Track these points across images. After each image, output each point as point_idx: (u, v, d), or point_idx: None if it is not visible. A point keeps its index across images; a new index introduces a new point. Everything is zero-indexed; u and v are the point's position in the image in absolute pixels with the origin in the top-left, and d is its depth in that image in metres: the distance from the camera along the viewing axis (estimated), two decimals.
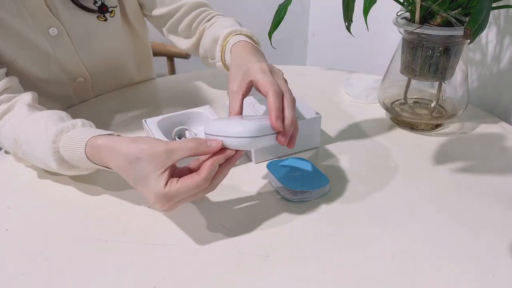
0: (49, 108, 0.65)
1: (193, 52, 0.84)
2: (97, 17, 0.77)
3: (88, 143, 0.51)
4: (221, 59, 0.71)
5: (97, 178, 0.60)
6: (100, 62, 0.84)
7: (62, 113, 0.60)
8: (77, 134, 0.53)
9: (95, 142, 0.50)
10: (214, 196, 0.56)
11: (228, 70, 0.70)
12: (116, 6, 0.79)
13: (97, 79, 0.86)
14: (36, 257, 0.47)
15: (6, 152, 0.67)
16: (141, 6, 0.83)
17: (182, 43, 0.84)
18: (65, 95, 0.84)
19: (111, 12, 0.79)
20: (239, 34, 0.69)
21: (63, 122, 0.56)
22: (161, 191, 0.44)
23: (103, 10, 0.77)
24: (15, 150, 0.58)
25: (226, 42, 0.69)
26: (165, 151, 0.44)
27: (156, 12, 0.82)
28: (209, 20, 0.81)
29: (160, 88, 0.96)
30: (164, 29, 0.84)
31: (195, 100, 0.85)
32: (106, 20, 0.78)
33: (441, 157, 0.65)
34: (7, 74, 0.67)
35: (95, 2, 0.76)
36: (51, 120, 0.56)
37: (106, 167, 0.51)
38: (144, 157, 0.45)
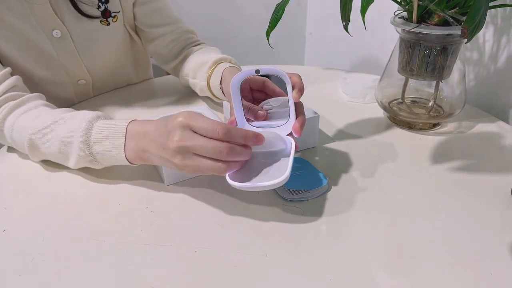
0: None
1: (172, 70, 0.88)
2: (100, 21, 0.78)
3: (132, 121, 0.55)
4: (207, 79, 0.74)
5: (95, 179, 0.60)
6: (101, 65, 0.84)
7: None
8: (119, 120, 0.56)
9: (140, 120, 0.55)
10: (213, 195, 0.56)
11: (210, 89, 0.75)
12: (119, 11, 0.80)
13: (98, 81, 0.87)
14: (34, 258, 0.47)
15: (9, 150, 0.67)
16: (134, 17, 0.84)
17: (163, 61, 0.87)
18: (66, 96, 0.84)
19: (113, 17, 0.80)
20: (229, 62, 0.75)
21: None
22: (192, 111, 0.49)
23: (106, 15, 0.78)
24: (32, 135, 0.58)
25: (216, 66, 0.73)
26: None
27: (146, 28, 0.85)
28: (196, 45, 0.86)
29: (157, 87, 0.96)
30: (149, 45, 0.87)
31: (192, 99, 0.85)
32: (108, 24, 0.79)
33: (439, 156, 0.65)
34: (11, 74, 0.67)
35: (99, 7, 0.77)
36: (83, 110, 0.59)
37: (126, 156, 0.54)
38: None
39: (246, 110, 0.58)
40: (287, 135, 0.54)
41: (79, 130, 0.55)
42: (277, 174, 0.48)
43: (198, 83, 0.78)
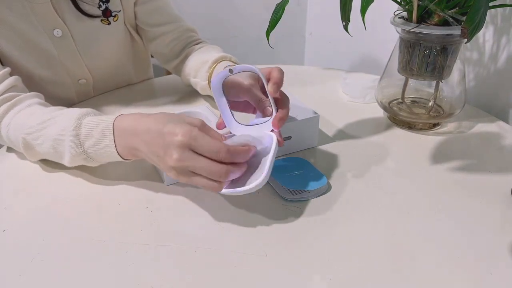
0: None
1: (173, 69, 0.88)
2: (101, 20, 0.78)
3: (119, 116, 0.54)
4: (208, 78, 0.74)
5: (95, 179, 0.60)
6: (102, 65, 0.85)
7: None
8: (105, 116, 0.55)
9: (132, 114, 0.53)
10: (213, 195, 0.56)
11: (210, 88, 0.73)
12: (120, 10, 0.80)
13: (99, 81, 0.87)
14: (34, 258, 0.47)
15: (8, 150, 0.67)
16: (135, 16, 0.84)
17: (164, 60, 0.88)
18: (67, 96, 0.84)
19: (114, 16, 0.80)
20: (229, 60, 0.75)
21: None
22: (191, 126, 0.47)
23: (106, 14, 0.78)
24: (25, 135, 0.58)
25: (216, 65, 0.74)
26: (201, 122, 0.49)
27: (147, 27, 0.85)
28: (197, 44, 0.86)
29: (157, 88, 0.96)
30: (150, 44, 0.87)
31: (192, 99, 0.85)
32: (109, 23, 0.80)
33: (439, 156, 0.65)
34: (11, 74, 0.67)
35: (100, 6, 0.77)
36: (73, 108, 0.58)
37: (118, 152, 0.53)
38: (181, 115, 0.50)
39: (257, 103, 0.57)
40: (272, 131, 0.54)
41: (69, 128, 0.54)
42: (258, 175, 0.48)
43: (199, 82, 0.78)
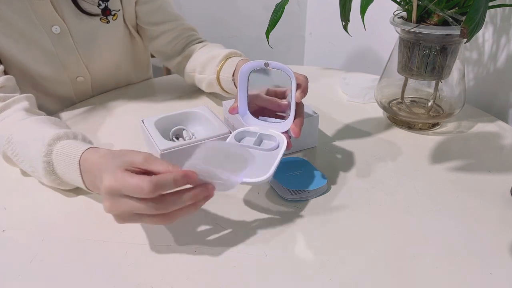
0: (49, 107, 0.65)
1: (174, 67, 0.88)
2: (100, 19, 0.79)
3: (89, 149, 0.50)
4: (217, 73, 0.74)
5: None
6: (100, 63, 0.85)
7: (61, 122, 0.61)
8: (76, 143, 0.52)
9: (98, 150, 0.50)
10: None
11: (219, 83, 0.74)
12: (119, 10, 0.80)
13: (97, 79, 0.87)
14: (33, 258, 0.47)
15: None
16: (136, 15, 0.84)
17: (165, 58, 0.88)
18: (65, 94, 0.85)
19: (113, 15, 0.80)
20: (239, 56, 0.75)
21: (63, 129, 0.56)
22: (115, 173, 0.42)
23: (106, 13, 0.79)
24: (5, 149, 0.58)
25: (227, 60, 0.73)
26: (145, 156, 0.44)
27: (148, 26, 0.85)
28: (200, 42, 0.86)
29: (157, 88, 0.96)
30: (151, 43, 0.87)
31: (192, 100, 0.85)
32: (108, 22, 0.80)
33: (438, 156, 0.65)
34: (8, 72, 0.67)
35: (99, 5, 0.77)
36: (49, 126, 0.57)
37: (87, 186, 0.51)
38: (127, 153, 0.45)
39: (271, 104, 0.58)
40: (284, 132, 0.55)
41: (40, 154, 0.52)
42: (264, 171, 0.48)
43: (206, 77, 0.77)
